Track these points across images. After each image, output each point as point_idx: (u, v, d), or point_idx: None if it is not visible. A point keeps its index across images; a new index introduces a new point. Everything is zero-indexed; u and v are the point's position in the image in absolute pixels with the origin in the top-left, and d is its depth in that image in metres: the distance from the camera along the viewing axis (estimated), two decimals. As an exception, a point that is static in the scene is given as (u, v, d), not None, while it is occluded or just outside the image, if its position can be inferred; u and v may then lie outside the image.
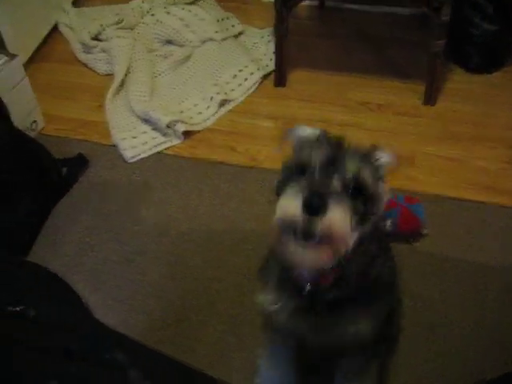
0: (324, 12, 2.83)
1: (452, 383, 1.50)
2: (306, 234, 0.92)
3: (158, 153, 2.13)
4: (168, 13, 2.66)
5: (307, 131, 1.09)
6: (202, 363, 1.52)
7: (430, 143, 2.13)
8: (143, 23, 2.68)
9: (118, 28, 2.63)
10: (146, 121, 2.20)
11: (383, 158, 1.04)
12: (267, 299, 1.17)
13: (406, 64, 2.46)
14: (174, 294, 1.69)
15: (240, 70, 2.40)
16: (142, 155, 2.11)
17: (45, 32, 2.76)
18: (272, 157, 2.07)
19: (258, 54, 2.53)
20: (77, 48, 2.67)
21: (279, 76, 2.36)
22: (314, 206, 0.90)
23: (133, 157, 2.10)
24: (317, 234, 0.92)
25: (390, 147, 1.08)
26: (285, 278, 1.11)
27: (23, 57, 2.41)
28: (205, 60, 2.49)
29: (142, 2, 2.79)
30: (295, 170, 1.00)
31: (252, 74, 2.39)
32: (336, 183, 0.95)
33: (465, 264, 1.74)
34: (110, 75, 2.50)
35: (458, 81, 2.38)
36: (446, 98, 2.30)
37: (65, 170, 2.05)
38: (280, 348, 1.35)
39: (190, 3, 2.78)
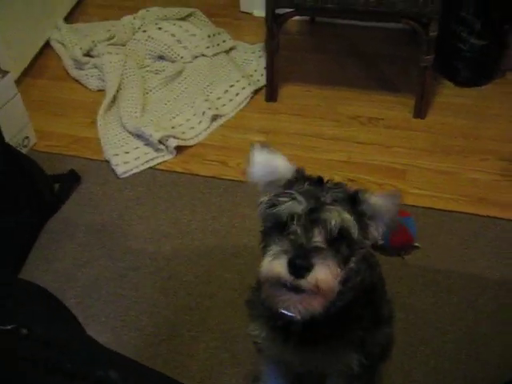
0: (314, 27, 2.86)
1: (446, 397, 1.50)
2: (295, 289, 0.95)
3: (151, 168, 2.13)
4: (159, 28, 2.67)
5: (262, 156, 1.08)
6: (195, 379, 1.52)
7: (421, 156, 2.14)
8: (135, 39, 2.69)
9: (110, 44, 2.65)
10: (138, 136, 2.21)
11: (370, 199, 1.02)
12: (254, 330, 1.20)
13: (397, 78, 2.48)
14: (166, 309, 1.69)
15: (231, 86, 2.41)
16: (135, 170, 2.12)
17: (37, 48, 2.77)
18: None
19: (250, 69, 2.54)
20: (69, 64, 2.68)
21: (270, 91, 2.38)
22: (299, 268, 0.92)
23: (125, 172, 2.11)
24: (305, 289, 0.94)
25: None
26: (268, 313, 1.12)
27: (15, 73, 2.42)
28: (196, 75, 2.50)
29: (134, 18, 2.81)
30: (275, 224, 0.99)
31: (243, 88, 2.40)
32: (319, 238, 0.95)
33: (456, 276, 1.75)
34: (102, 91, 2.51)
35: (448, 94, 2.40)
36: (436, 111, 2.32)
37: (57, 186, 2.05)
38: (275, 367, 1.37)
39: (181, 19, 2.81)
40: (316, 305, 0.97)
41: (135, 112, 2.28)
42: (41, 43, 2.80)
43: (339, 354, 1.15)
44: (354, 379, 1.24)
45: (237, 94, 2.38)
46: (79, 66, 2.64)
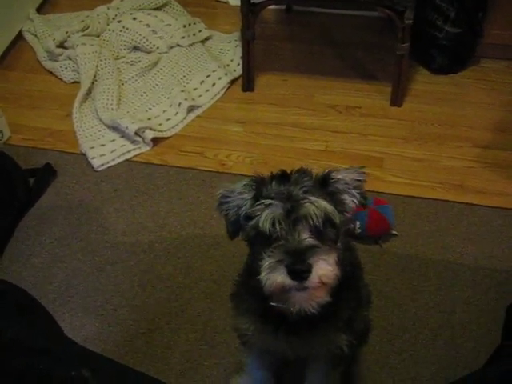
0: (291, 16, 2.84)
1: (424, 383, 1.52)
2: (300, 288, 0.97)
3: (127, 160, 2.12)
4: (134, 19, 2.64)
5: (233, 187, 1.07)
6: (175, 371, 1.52)
7: (398, 144, 2.15)
8: (109, 30, 2.65)
9: (84, 35, 2.60)
10: (115, 128, 2.18)
11: (338, 176, 1.05)
12: (243, 324, 1.20)
13: (373, 66, 2.48)
14: (145, 302, 1.68)
15: (207, 76, 2.40)
16: (111, 163, 2.10)
17: (9, 40, 2.72)
18: (241, 162, 2.08)
19: (226, 59, 2.53)
20: (42, 56, 2.64)
21: (247, 81, 2.37)
22: (300, 272, 0.94)
23: (101, 165, 2.09)
24: (309, 286, 0.96)
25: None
26: (261, 307, 1.11)
27: (-15, 66, 2.38)
28: (172, 66, 2.48)
29: (108, 8, 2.77)
30: (258, 234, 0.99)
31: (220, 79, 2.39)
32: (305, 235, 0.97)
33: (433, 262, 1.77)
34: (77, 83, 2.48)
35: (424, 82, 2.41)
36: (412, 98, 2.33)
37: (32, 180, 2.03)
38: (259, 358, 1.37)
39: (157, 9, 2.77)
40: (323, 295, 0.99)
41: (111, 104, 2.25)
42: (13, 35, 2.75)
43: (330, 336, 1.17)
44: (339, 363, 1.28)
45: (213, 85, 2.37)
46: (53, 57, 2.59)
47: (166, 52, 2.56)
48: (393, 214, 1.82)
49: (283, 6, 2.82)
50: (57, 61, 2.58)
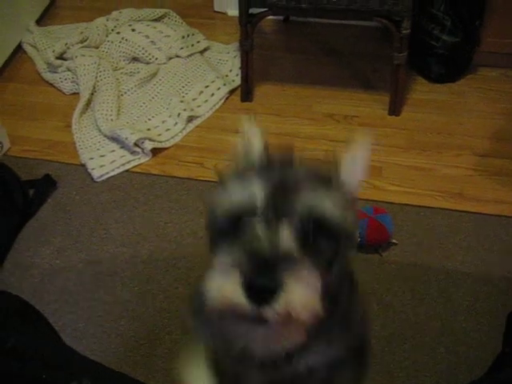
0: (289, 26, 2.87)
1: (425, 391, 1.51)
2: (258, 320, 0.64)
3: (127, 171, 2.12)
4: (133, 30, 2.65)
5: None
6: (175, 382, 1.52)
7: (397, 153, 2.16)
8: (108, 41, 2.67)
9: (83, 46, 2.62)
10: (114, 139, 2.19)
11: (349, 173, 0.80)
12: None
13: (371, 76, 2.50)
14: (145, 313, 1.68)
15: (206, 86, 2.41)
16: (111, 174, 2.10)
17: (8, 52, 2.73)
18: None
19: (225, 70, 2.54)
20: (42, 67, 2.65)
21: (246, 91, 2.38)
22: (261, 290, 0.61)
23: (101, 176, 2.09)
24: (272, 320, 0.63)
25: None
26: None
27: (-15, 78, 2.39)
28: (171, 77, 2.49)
29: (107, 20, 2.79)
30: (226, 221, 0.71)
31: (218, 89, 2.40)
32: (287, 239, 0.66)
33: (433, 271, 1.76)
34: (77, 94, 2.49)
35: (422, 91, 2.42)
36: (410, 107, 2.34)
37: (32, 191, 2.03)
38: None
39: (155, 20, 2.79)
40: (294, 336, 0.68)
41: (110, 115, 2.26)
42: (12, 46, 2.77)
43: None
44: None
45: (212, 95, 2.38)
46: (52, 69, 2.61)
47: (165, 63, 2.57)
48: (392, 223, 1.82)
49: (281, 17, 2.85)
50: (56, 72, 2.59)
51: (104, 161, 2.13)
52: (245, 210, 0.68)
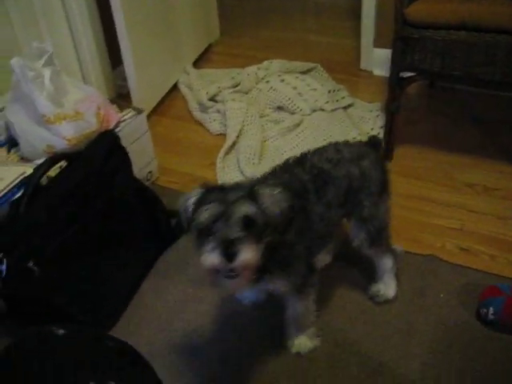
0: (433, 90, 2.87)
1: None
2: (228, 273, 1.25)
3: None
4: (282, 80, 2.79)
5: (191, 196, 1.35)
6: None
7: (539, 232, 2.08)
8: (257, 89, 2.82)
9: (234, 91, 2.79)
10: (254, 182, 2.29)
11: (263, 194, 1.30)
12: None
13: (517, 149, 2.44)
14: (271, 357, 1.71)
15: (348, 142, 2.46)
16: (248, 214, 2.19)
17: (166, 89, 2.97)
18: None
19: (366, 128, 2.59)
20: (193, 106, 2.85)
21: (386, 150, 2.40)
22: (229, 255, 1.22)
23: (238, 215, 2.18)
24: (235, 270, 1.25)
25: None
26: None
27: (145, 111, 2.60)
28: (313, 129, 2.57)
29: (258, 68, 2.95)
30: (202, 229, 1.26)
31: (359, 146, 2.44)
32: (235, 229, 1.23)
33: None
34: (222, 135, 2.64)
35: None
36: (556, 186, 2.25)
37: (174, 221, 2.16)
38: None
39: (303, 73, 2.92)
40: (245, 281, 1.30)
41: (253, 159, 2.38)
42: (170, 85, 3.01)
43: (272, 284, 1.50)
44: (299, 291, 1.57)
45: (352, 151, 2.42)
46: (203, 109, 2.79)
47: (309, 114, 2.67)
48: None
49: (427, 82, 2.87)
50: (206, 113, 2.77)
51: (242, 201, 2.23)
52: (211, 221, 1.25)
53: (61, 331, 1.06)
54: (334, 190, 1.54)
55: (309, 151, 1.62)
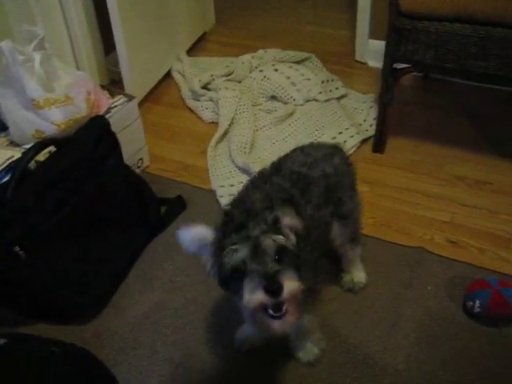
0: (428, 83, 2.86)
1: None
2: (276, 310, 1.19)
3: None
4: (276, 70, 2.77)
5: (194, 234, 1.30)
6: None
7: (528, 226, 2.08)
8: (251, 77, 2.80)
9: (227, 80, 2.77)
10: (245, 171, 2.28)
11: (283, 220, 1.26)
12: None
13: (507, 142, 2.43)
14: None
15: (340, 133, 2.45)
16: (238, 204, 2.18)
17: (159, 76, 2.95)
18: (364, 222, 2.08)
19: (359, 119, 2.58)
20: (186, 94, 2.83)
21: (379, 142, 2.40)
22: (275, 291, 1.15)
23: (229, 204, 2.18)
24: (283, 309, 1.19)
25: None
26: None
27: (137, 98, 2.57)
28: (306, 119, 2.56)
29: (252, 57, 2.93)
30: (232, 271, 1.20)
31: (351, 137, 2.44)
32: (271, 263, 1.18)
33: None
34: (214, 123, 2.63)
35: (562, 165, 2.33)
36: (547, 181, 2.25)
37: (164, 209, 2.16)
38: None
39: (297, 62, 2.90)
40: (293, 318, 1.23)
41: (244, 147, 2.37)
42: (163, 72, 2.99)
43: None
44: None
45: (344, 142, 2.41)
46: (196, 97, 2.78)
47: (302, 104, 2.66)
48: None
49: (421, 73, 2.85)
50: (199, 100, 2.76)
51: (233, 190, 2.22)
52: (243, 263, 1.18)
53: (2, 341, 1.03)
54: (316, 191, 1.54)
55: (279, 159, 1.61)
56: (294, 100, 2.66)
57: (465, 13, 1.98)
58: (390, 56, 2.20)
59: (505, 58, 2.00)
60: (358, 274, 1.85)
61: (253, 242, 1.19)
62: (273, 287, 1.15)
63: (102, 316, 1.83)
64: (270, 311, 1.19)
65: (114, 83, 2.84)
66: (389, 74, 2.24)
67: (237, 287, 1.20)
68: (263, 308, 1.18)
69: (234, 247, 1.19)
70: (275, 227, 1.24)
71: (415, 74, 2.84)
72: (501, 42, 1.97)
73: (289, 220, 1.27)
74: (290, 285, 1.17)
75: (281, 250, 1.21)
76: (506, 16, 1.94)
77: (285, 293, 1.16)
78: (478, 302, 1.72)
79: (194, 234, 1.29)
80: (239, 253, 1.18)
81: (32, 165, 1.79)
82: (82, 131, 1.92)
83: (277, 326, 1.21)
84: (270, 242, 1.19)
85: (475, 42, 2.00)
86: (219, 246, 1.23)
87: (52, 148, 1.86)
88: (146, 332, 1.77)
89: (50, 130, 1.96)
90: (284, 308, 1.19)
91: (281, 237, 1.22)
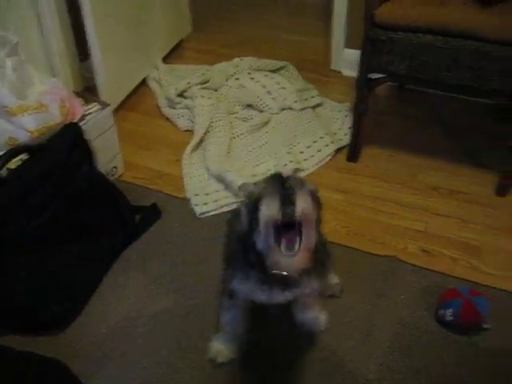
0: (403, 93, 2.89)
1: None
2: (290, 243, 1.24)
3: (228, 212, 2.19)
4: (252, 78, 2.78)
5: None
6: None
7: (499, 235, 2.10)
8: (227, 85, 2.81)
9: (203, 88, 2.77)
10: (220, 180, 2.28)
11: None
12: (243, 290, 1.48)
13: (482, 153, 2.47)
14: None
15: (314, 141, 2.47)
16: (212, 212, 2.18)
17: (134, 84, 2.94)
18: (338, 231, 2.10)
19: (334, 128, 2.60)
20: (162, 102, 2.82)
21: (353, 151, 2.41)
22: (288, 201, 1.21)
23: (203, 213, 2.17)
24: (296, 247, 1.24)
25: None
26: (259, 275, 1.39)
27: (113, 105, 2.56)
28: (282, 127, 2.57)
29: (228, 65, 2.94)
30: (259, 201, 1.26)
31: (326, 146, 2.45)
32: (294, 191, 1.24)
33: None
34: (190, 131, 2.63)
35: (533, 176, 2.36)
36: (519, 191, 2.29)
37: (138, 217, 2.14)
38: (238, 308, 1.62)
39: (273, 71, 2.92)
40: (307, 260, 1.28)
41: (220, 156, 2.36)
42: (139, 80, 2.97)
43: (309, 285, 1.47)
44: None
45: (319, 151, 2.43)
46: (172, 105, 2.77)
47: (278, 113, 2.67)
48: (487, 307, 1.77)
49: (396, 83, 2.88)
50: (175, 108, 2.75)
51: (208, 199, 2.22)
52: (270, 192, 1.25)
53: None
54: None
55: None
56: (270, 108, 2.67)
57: (437, 25, 2.02)
58: (364, 66, 2.22)
59: (477, 70, 2.03)
60: (332, 277, 1.85)
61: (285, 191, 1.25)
62: (287, 201, 1.21)
63: (75, 325, 1.80)
64: (283, 247, 1.24)
65: (89, 90, 2.81)
66: (363, 84, 2.27)
67: (256, 222, 1.26)
68: (276, 227, 1.23)
69: (269, 197, 1.25)
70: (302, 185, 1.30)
71: (390, 83, 2.86)
72: (473, 54, 2.00)
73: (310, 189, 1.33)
74: (304, 203, 1.23)
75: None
76: (476, 29, 1.97)
77: (298, 210, 1.21)
78: (450, 311, 1.74)
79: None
80: (275, 201, 1.23)
81: (4, 172, 1.77)
82: (56, 138, 1.91)
83: (288, 263, 1.27)
84: (293, 180, 1.28)
85: (448, 53, 2.03)
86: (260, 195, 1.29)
87: (25, 155, 1.85)
88: (119, 341, 1.75)
89: (23, 137, 1.94)
90: (296, 246, 1.24)
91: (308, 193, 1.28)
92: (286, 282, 1.41)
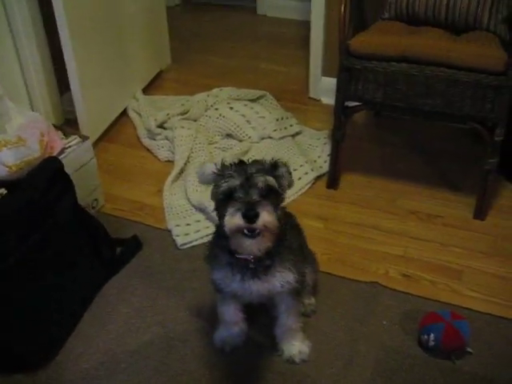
0: (379, 120, 2.94)
1: None
2: (251, 232, 1.36)
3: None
4: (231, 108, 2.81)
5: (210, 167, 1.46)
6: None
7: (479, 258, 2.12)
8: (206, 116, 2.83)
9: (183, 118, 2.79)
10: (201, 210, 2.29)
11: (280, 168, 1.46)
12: (217, 276, 1.59)
13: (458, 177, 2.51)
14: (211, 386, 1.70)
15: (294, 170, 2.48)
16: (194, 243, 2.18)
17: (115, 115, 2.95)
18: (319, 258, 2.10)
19: (313, 155, 2.62)
20: (142, 133, 2.83)
21: (332, 179, 2.44)
22: (251, 216, 1.32)
23: (184, 243, 2.17)
24: (257, 231, 1.35)
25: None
26: (230, 260, 1.52)
27: (93, 137, 2.57)
28: (261, 156, 2.56)
29: (207, 95, 2.97)
30: (224, 196, 1.39)
31: (306, 174, 2.47)
32: (256, 196, 1.36)
33: (510, 387, 1.69)
34: (171, 162, 2.64)
35: (510, 197, 2.40)
36: (497, 213, 2.32)
37: (119, 249, 2.14)
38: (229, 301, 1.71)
39: (252, 100, 2.95)
40: (267, 242, 1.41)
41: (200, 186, 2.37)
42: (119, 111, 2.99)
43: (281, 275, 1.54)
44: (294, 296, 1.65)
45: (299, 179, 2.45)
46: (152, 136, 2.78)
47: (257, 142, 2.69)
48: (469, 331, 1.78)
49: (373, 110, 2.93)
50: (155, 139, 2.77)
51: (189, 229, 2.22)
52: (233, 189, 1.37)
53: None
54: None
55: None
56: (250, 138, 2.69)
57: (410, 54, 2.06)
58: (341, 94, 2.26)
59: (450, 97, 2.08)
60: (308, 296, 1.88)
61: (246, 175, 1.38)
62: (250, 214, 1.32)
63: (54, 362, 1.78)
64: (245, 231, 1.35)
65: (69, 123, 2.83)
66: (340, 112, 2.30)
67: (223, 210, 1.38)
68: (239, 230, 1.35)
69: (231, 174, 1.38)
70: (271, 170, 1.43)
71: (367, 111, 2.91)
72: (445, 81, 2.05)
73: (285, 170, 1.46)
74: (266, 216, 1.34)
75: (269, 190, 1.39)
76: (448, 57, 2.02)
77: (260, 221, 1.33)
78: (432, 335, 1.74)
79: (209, 167, 1.45)
80: (232, 181, 1.37)
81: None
82: (35, 173, 1.90)
83: (249, 244, 1.38)
84: (261, 178, 1.38)
85: (421, 81, 2.08)
86: (221, 175, 1.42)
87: (3, 191, 1.84)
88: (101, 378, 1.72)
89: (1, 171, 1.93)
90: (257, 230, 1.35)
91: (272, 178, 1.40)
92: (255, 269, 1.51)
